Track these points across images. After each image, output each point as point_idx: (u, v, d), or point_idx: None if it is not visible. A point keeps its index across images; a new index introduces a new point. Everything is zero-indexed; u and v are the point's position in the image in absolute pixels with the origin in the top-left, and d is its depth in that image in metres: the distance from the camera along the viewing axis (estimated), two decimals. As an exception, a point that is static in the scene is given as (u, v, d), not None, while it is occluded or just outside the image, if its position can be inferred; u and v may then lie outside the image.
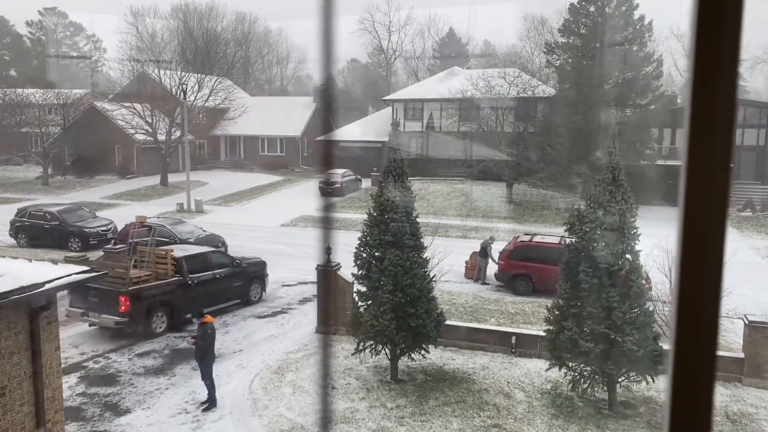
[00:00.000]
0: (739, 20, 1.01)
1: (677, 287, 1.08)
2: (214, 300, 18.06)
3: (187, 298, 17.23)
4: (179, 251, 18.28)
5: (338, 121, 59.83)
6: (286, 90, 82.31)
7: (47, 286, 8.63)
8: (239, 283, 19.16)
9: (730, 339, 16.13)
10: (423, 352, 14.06)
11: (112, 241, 24.66)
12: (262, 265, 20.26)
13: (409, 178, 14.15)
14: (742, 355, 14.33)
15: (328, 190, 40.84)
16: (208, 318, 13.22)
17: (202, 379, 13.01)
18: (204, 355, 12.92)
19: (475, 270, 22.50)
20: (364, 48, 76.95)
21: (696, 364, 1.08)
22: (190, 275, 17.68)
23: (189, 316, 16.24)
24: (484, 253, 22.32)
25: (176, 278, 17.37)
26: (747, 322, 14.22)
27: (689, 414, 1.09)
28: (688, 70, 1.06)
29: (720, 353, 14.30)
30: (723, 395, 13.45)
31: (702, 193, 1.05)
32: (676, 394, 1.09)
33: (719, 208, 1.05)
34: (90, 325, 16.79)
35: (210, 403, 12.86)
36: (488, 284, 21.99)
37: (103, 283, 15.58)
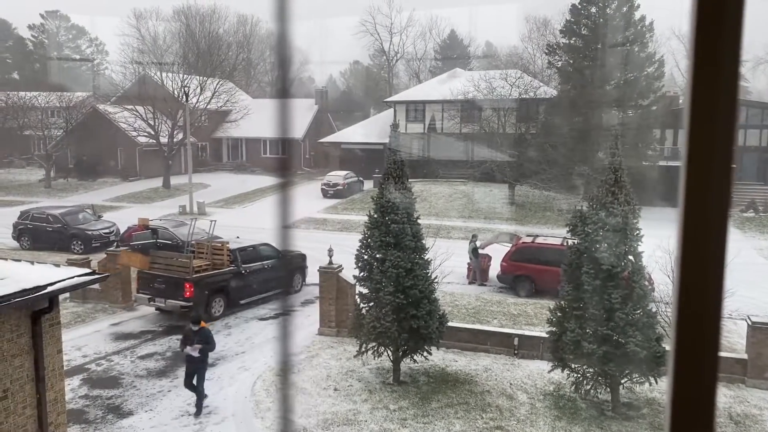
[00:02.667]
0: (739, 19, 1.00)
1: (678, 288, 1.07)
2: (264, 288, 19.81)
3: (241, 286, 19.15)
4: (233, 244, 20.08)
5: (339, 123, 59.83)
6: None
7: (49, 288, 8.64)
8: (284, 273, 20.43)
9: (734, 340, 16.08)
10: (425, 353, 14.04)
11: (115, 244, 24.70)
12: (303, 257, 21.53)
13: (410, 180, 14.14)
14: (745, 356, 14.29)
15: (330, 192, 40.90)
16: (203, 324, 13.17)
17: (197, 384, 12.82)
18: (204, 360, 12.87)
19: (471, 272, 22.47)
20: (366, 50, 77.00)
21: (697, 365, 1.07)
22: (243, 265, 19.28)
23: (242, 302, 19.08)
24: (476, 254, 22.30)
25: (231, 268, 18.99)
26: (750, 323, 14.17)
27: (691, 417, 1.08)
28: (687, 70, 1.05)
29: (723, 354, 14.32)
30: (726, 396, 13.42)
31: (702, 194, 1.04)
32: (676, 396, 1.08)
33: (720, 209, 1.04)
34: (156, 309, 18.69)
35: (199, 400, 12.82)
36: (485, 285, 21.97)
37: (169, 272, 17.90)
